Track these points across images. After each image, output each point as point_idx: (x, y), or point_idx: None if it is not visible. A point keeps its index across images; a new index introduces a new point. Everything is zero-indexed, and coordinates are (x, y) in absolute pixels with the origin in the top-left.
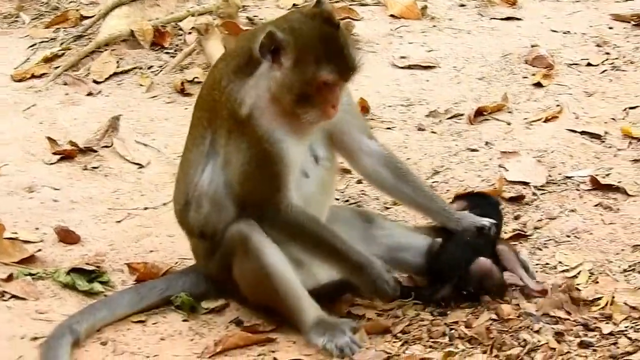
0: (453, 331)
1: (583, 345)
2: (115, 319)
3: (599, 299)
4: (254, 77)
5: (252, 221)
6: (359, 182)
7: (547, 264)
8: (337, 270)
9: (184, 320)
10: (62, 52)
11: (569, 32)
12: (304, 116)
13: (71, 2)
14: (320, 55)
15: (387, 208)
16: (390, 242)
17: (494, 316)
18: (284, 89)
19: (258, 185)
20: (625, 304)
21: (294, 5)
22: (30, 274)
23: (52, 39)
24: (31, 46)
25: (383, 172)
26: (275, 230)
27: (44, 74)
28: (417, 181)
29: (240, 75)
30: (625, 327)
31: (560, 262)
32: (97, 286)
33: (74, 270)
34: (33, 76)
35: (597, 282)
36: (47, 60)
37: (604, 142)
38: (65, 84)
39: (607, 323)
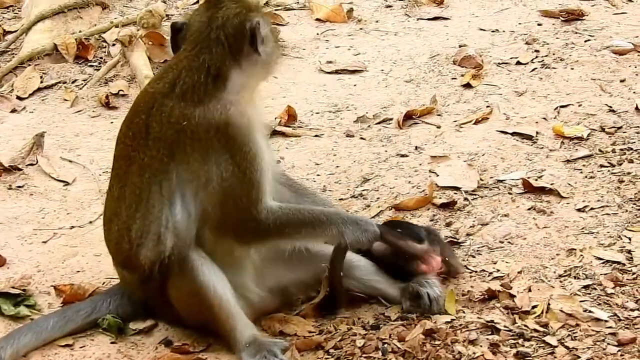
0: (386, 345)
1: (519, 355)
2: (40, 343)
3: (535, 306)
4: (225, 89)
5: (192, 242)
6: None
7: (482, 270)
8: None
9: (112, 343)
10: None
11: (497, 30)
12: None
13: None
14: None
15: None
16: (320, 267)
17: (427, 328)
18: (270, 66)
19: (240, 199)
20: (562, 311)
21: None
22: None
23: None
24: None
25: (283, 190)
26: (259, 240)
27: None
28: (314, 193)
29: (203, 95)
30: (562, 335)
31: (496, 270)
32: (24, 310)
33: (0, 295)
34: None
35: (532, 290)
36: None
37: (535, 142)
38: None
39: (543, 332)
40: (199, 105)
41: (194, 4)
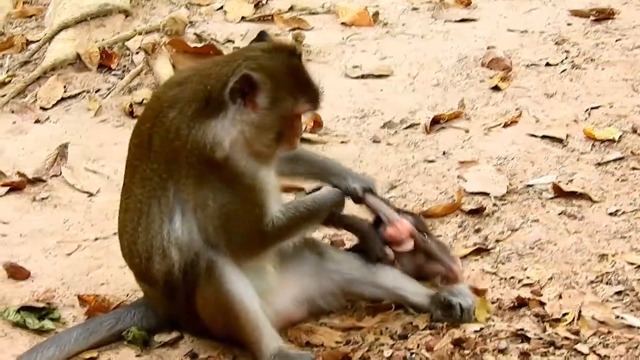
0: (414, 355)
1: None
2: (65, 357)
3: (566, 314)
4: (219, 118)
5: (220, 250)
6: None
7: (512, 277)
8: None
9: (137, 356)
10: (9, 79)
11: (526, 31)
12: (276, 151)
13: (16, 27)
14: (294, 89)
15: None
16: (345, 276)
17: (456, 337)
18: (261, 129)
19: (242, 220)
20: (593, 318)
21: (242, 18)
22: None
23: None
24: None
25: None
26: (265, 249)
27: None
28: (308, 155)
29: (201, 119)
30: (594, 343)
31: (526, 276)
32: (48, 323)
33: (24, 308)
34: None
35: (563, 297)
36: None
37: (565, 145)
38: (13, 112)
39: (574, 340)
40: (193, 127)
41: (218, 9)
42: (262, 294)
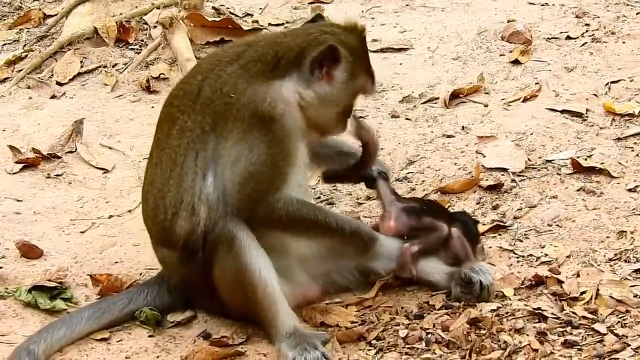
0: (430, 336)
1: (567, 344)
2: (76, 337)
3: (584, 292)
4: (285, 81)
5: (241, 221)
6: None
7: (529, 255)
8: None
9: (150, 336)
10: (25, 54)
11: (546, 4)
12: (332, 129)
13: (34, 1)
14: (367, 70)
15: (360, 204)
16: None
17: (472, 317)
18: (330, 103)
19: (262, 184)
20: (611, 297)
21: None
22: None
23: (15, 40)
24: None
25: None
26: (265, 226)
27: (6, 78)
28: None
29: (264, 79)
30: (612, 322)
31: (544, 254)
32: (60, 303)
33: (36, 288)
34: None
35: (581, 275)
36: (10, 63)
37: (585, 120)
38: (29, 87)
39: (592, 319)
40: (253, 83)
41: None
42: (282, 271)
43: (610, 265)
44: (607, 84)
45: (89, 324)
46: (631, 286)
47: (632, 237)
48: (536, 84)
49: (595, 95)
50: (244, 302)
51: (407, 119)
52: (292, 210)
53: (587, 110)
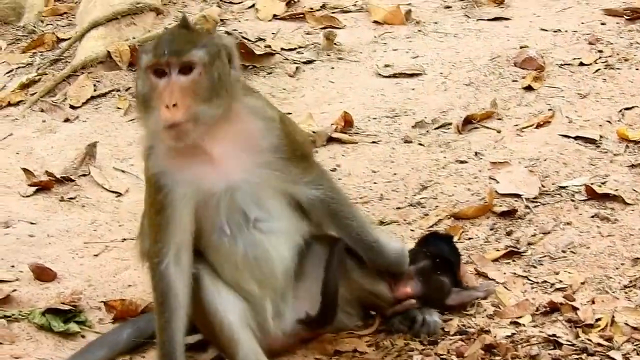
0: None
1: None
2: (116, 357)
3: (599, 319)
4: None
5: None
6: None
7: (544, 282)
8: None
9: None
10: (39, 77)
11: (559, 30)
12: (147, 126)
13: (48, 25)
14: (149, 46)
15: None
16: (365, 287)
17: (487, 343)
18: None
19: (148, 228)
20: (627, 324)
21: (274, 16)
22: (5, 317)
23: (28, 64)
24: (7, 73)
25: (327, 220)
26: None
27: (20, 101)
28: (351, 224)
29: None
30: (627, 350)
31: (558, 280)
32: (74, 326)
33: (50, 311)
34: (9, 104)
35: (596, 302)
36: (24, 86)
37: (599, 147)
38: (42, 110)
39: (607, 347)
40: None
41: (250, 7)
42: (257, 312)
43: (625, 293)
44: (620, 110)
45: (128, 342)
46: None
47: None
48: (549, 110)
49: (608, 121)
50: (210, 336)
51: (419, 144)
52: (158, 280)
53: (600, 136)
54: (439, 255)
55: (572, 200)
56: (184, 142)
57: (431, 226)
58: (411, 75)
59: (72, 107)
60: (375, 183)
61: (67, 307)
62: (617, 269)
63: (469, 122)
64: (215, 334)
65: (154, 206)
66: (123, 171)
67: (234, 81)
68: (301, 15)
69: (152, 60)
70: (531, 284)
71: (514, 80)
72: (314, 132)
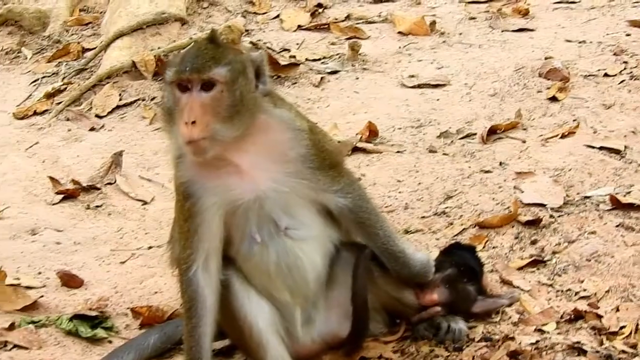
0: None
1: None
2: None
3: (623, 327)
4: None
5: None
6: None
7: (568, 290)
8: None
9: None
10: (64, 86)
11: (584, 41)
12: (172, 138)
13: (73, 34)
14: (175, 60)
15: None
16: (391, 294)
17: (512, 349)
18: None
19: (177, 235)
20: None
21: (298, 26)
22: (33, 322)
23: (54, 73)
24: (33, 82)
25: (354, 228)
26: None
27: (46, 110)
28: (378, 233)
29: None
30: None
31: (583, 289)
32: (101, 332)
33: (77, 317)
34: (35, 113)
35: (621, 310)
36: (49, 95)
37: (623, 157)
38: (68, 119)
39: (631, 354)
40: None
41: (275, 18)
42: (287, 319)
43: None
44: None
45: (155, 348)
46: None
47: None
48: (574, 120)
49: (633, 132)
50: (239, 342)
51: (444, 154)
52: (186, 287)
53: (625, 147)
54: (464, 264)
55: (597, 210)
56: (203, 157)
57: (456, 235)
58: (436, 86)
59: (97, 116)
60: (400, 192)
61: (94, 313)
62: None
63: (493, 132)
64: (243, 339)
65: (183, 214)
66: (149, 180)
67: (261, 95)
68: (326, 26)
69: (174, 76)
70: (556, 292)
71: (538, 91)
72: (339, 141)
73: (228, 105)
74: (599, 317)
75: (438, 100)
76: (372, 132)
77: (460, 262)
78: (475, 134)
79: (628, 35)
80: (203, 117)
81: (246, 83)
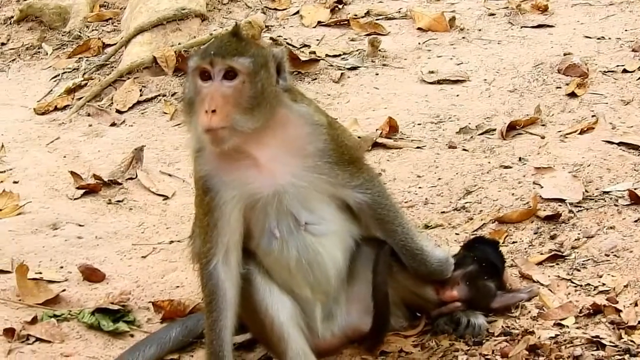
0: None
1: None
2: (165, 354)
3: None
4: None
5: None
6: None
7: (587, 284)
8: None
9: None
10: (85, 82)
11: (603, 37)
12: (192, 129)
13: (93, 30)
14: (199, 50)
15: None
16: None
17: (531, 343)
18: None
19: (197, 229)
20: None
21: (318, 22)
22: (55, 316)
23: (74, 69)
24: (54, 77)
25: (373, 224)
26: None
27: (67, 105)
28: (397, 230)
29: None
30: None
31: (601, 283)
32: (123, 326)
33: (99, 310)
34: (56, 108)
35: (639, 304)
36: (70, 91)
37: None
38: (89, 115)
39: None
40: None
41: (294, 14)
42: (307, 314)
43: None
44: None
45: (176, 341)
46: None
47: None
48: (593, 116)
49: None
50: (260, 336)
51: (464, 149)
52: (206, 280)
53: None
54: (485, 260)
55: (616, 205)
56: (221, 147)
57: (475, 230)
58: (455, 82)
59: (118, 111)
60: (420, 187)
61: (116, 307)
62: None
63: (513, 128)
64: (265, 333)
65: (202, 207)
66: (170, 175)
67: (282, 90)
68: (346, 22)
69: (198, 62)
70: (575, 286)
71: (557, 87)
72: (359, 137)
73: (249, 96)
74: (618, 311)
75: (457, 96)
76: (392, 128)
77: (482, 257)
78: (494, 129)
79: None
80: (224, 106)
81: (268, 76)
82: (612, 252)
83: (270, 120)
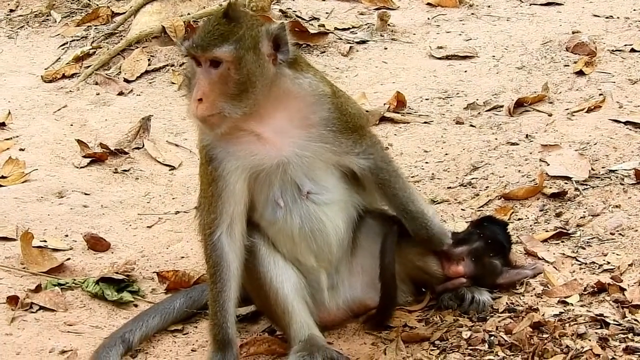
0: (493, 338)
1: (629, 350)
2: (168, 325)
3: None
4: None
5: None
6: None
7: (592, 263)
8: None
9: None
10: (93, 50)
11: (611, 16)
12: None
13: None
14: (191, 34)
15: None
16: (416, 263)
17: (535, 320)
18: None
19: (202, 201)
20: None
21: None
22: (59, 284)
23: (83, 37)
24: (62, 45)
25: (376, 189)
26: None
27: (74, 73)
28: (398, 194)
29: None
30: None
31: (606, 262)
32: (127, 296)
33: (103, 280)
34: (64, 76)
35: None
36: (78, 59)
37: None
38: (97, 83)
39: None
40: None
41: None
42: (313, 285)
43: None
44: None
45: (180, 312)
46: None
47: None
48: (600, 95)
49: None
50: (264, 308)
51: (471, 125)
52: (210, 252)
53: None
54: (492, 238)
55: (622, 184)
56: (215, 132)
57: (482, 206)
58: (464, 58)
59: (126, 80)
60: (427, 163)
61: (120, 277)
62: None
63: (520, 105)
64: (269, 305)
65: (206, 178)
66: (177, 145)
67: (285, 64)
68: None
69: (185, 51)
70: (579, 264)
71: (565, 65)
72: (367, 111)
73: (235, 82)
74: (622, 290)
75: (465, 72)
76: (399, 102)
77: (490, 236)
78: (502, 106)
79: None
80: (210, 94)
81: (257, 59)
82: (617, 231)
83: (269, 97)
